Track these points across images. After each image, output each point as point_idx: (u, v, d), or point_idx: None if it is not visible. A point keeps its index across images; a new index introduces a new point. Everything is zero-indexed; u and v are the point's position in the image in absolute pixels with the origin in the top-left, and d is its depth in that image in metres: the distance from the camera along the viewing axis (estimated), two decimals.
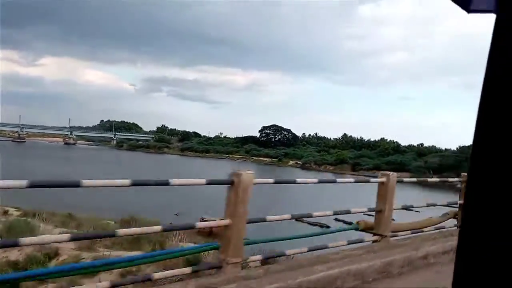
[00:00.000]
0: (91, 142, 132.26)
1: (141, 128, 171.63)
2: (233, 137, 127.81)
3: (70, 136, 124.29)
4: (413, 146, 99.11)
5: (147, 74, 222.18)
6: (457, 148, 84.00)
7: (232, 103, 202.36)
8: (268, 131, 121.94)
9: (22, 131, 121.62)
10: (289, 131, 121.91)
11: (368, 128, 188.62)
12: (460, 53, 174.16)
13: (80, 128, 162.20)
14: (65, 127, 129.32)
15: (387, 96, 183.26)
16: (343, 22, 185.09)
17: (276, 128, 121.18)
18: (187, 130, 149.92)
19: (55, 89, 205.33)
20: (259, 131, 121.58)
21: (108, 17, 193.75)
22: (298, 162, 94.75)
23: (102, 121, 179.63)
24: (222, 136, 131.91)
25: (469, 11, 1.26)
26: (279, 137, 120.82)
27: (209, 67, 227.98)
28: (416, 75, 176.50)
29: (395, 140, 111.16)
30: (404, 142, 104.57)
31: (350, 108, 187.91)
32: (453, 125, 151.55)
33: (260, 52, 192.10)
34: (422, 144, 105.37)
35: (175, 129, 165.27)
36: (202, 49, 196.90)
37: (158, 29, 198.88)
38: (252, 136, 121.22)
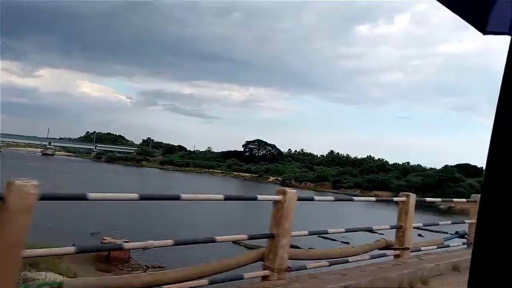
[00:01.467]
0: (71, 154, 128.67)
1: (127, 140, 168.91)
2: (220, 151, 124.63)
3: (48, 146, 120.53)
4: (398, 164, 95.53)
5: (144, 87, 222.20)
6: (441, 168, 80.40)
7: (227, 118, 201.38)
8: (252, 146, 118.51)
9: None
10: (273, 146, 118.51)
11: (362, 146, 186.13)
12: (455, 74, 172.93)
13: (68, 140, 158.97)
14: (45, 137, 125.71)
15: (383, 115, 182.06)
16: (341, 41, 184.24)
17: (260, 143, 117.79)
18: (171, 143, 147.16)
19: (49, 100, 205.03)
20: (243, 146, 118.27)
21: (106, 30, 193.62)
22: (279, 178, 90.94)
23: (87, 132, 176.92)
24: (211, 151, 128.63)
25: (484, 32, 1.29)
26: (263, 152, 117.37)
27: (206, 82, 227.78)
28: (411, 95, 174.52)
29: (382, 158, 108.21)
30: (393, 161, 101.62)
31: (345, 126, 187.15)
32: (446, 145, 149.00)
33: (257, 69, 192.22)
34: (408, 163, 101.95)
35: (161, 142, 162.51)
36: (199, 64, 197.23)
37: (155, 44, 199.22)
38: (236, 151, 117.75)
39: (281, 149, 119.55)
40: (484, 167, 1.17)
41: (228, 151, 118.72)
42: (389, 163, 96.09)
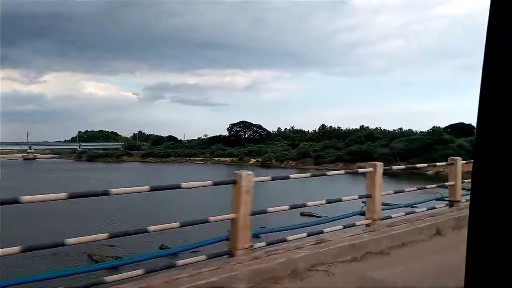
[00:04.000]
0: (56, 155, 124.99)
1: (120, 136, 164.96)
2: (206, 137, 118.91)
3: (29, 151, 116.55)
4: (388, 131, 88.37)
5: (147, 82, 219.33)
6: (428, 131, 73.21)
7: (234, 103, 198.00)
8: (238, 128, 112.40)
9: None
10: (259, 126, 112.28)
11: (366, 118, 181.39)
12: (459, 35, 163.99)
13: (56, 142, 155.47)
14: (24, 142, 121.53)
15: (386, 85, 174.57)
16: (338, 14, 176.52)
17: (245, 125, 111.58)
18: (160, 135, 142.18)
19: (57, 105, 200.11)
20: (227, 129, 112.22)
21: (102, 29, 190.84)
22: (259, 160, 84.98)
23: (79, 132, 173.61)
24: (200, 138, 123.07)
25: None
26: (249, 134, 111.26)
27: (208, 70, 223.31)
28: (415, 61, 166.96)
29: (378, 127, 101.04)
30: (392, 128, 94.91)
31: (349, 99, 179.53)
32: (453, 108, 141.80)
33: (257, 52, 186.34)
34: (401, 129, 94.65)
35: (153, 134, 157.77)
36: (199, 53, 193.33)
37: (152, 38, 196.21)
38: (221, 136, 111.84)
39: (268, 129, 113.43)
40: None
41: (213, 137, 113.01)
42: (378, 131, 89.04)
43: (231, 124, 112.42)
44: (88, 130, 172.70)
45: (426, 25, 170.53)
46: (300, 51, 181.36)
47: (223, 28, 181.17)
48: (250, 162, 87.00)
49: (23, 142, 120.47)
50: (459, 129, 78.37)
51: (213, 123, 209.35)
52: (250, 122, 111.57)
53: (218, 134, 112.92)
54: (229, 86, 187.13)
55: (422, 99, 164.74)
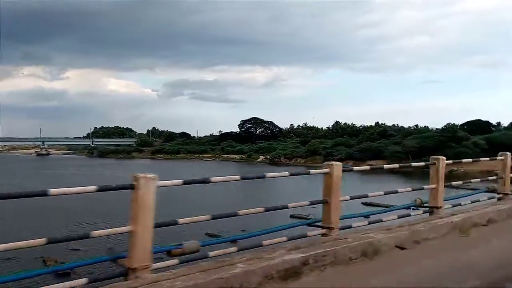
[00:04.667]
0: (70, 151, 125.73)
1: (135, 132, 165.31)
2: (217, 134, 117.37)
3: (42, 146, 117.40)
4: (403, 128, 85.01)
5: (167, 79, 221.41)
6: (442, 128, 69.77)
7: (252, 100, 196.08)
8: (249, 125, 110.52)
9: None
10: (271, 123, 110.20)
11: (388, 114, 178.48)
12: (482, 31, 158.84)
13: (73, 139, 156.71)
14: (37, 138, 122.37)
15: (408, 81, 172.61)
16: (359, 9, 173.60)
17: (256, 121, 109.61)
18: (173, 131, 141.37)
19: (79, 101, 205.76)
20: (238, 126, 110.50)
21: (122, 26, 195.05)
22: (268, 157, 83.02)
23: (95, 127, 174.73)
24: (213, 135, 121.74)
25: None
26: (260, 130, 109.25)
27: (227, 66, 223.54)
28: (437, 57, 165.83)
29: (395, 124, 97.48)
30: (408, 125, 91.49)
31: (371, 96, 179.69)
32: (476, 104, 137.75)
33: (277, 48, 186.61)
34: (416, 126, 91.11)
35: (167, 130, 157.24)
36: (218, 49, 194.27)
37: (171, 34, 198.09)
38: (232, 133, 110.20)
39: (279, 126, 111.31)
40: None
41: (225, 133, 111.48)
42: (392, 128, 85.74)
43: (242, 120, 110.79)
44: (104, 126, 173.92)
45: (448, 21, 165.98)
46: (321, 47, 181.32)
47: (243, 24, 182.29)
48: (259, 160, 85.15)
49: (37, 138, 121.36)
50: (475, 126, 74.78)
51: (231, 120, 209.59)
52: (261, 119, 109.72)
53: (229, 131, 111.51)
54: (248, 82, 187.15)
55: (444, 96, 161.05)
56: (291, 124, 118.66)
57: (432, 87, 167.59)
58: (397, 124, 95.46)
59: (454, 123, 72.63)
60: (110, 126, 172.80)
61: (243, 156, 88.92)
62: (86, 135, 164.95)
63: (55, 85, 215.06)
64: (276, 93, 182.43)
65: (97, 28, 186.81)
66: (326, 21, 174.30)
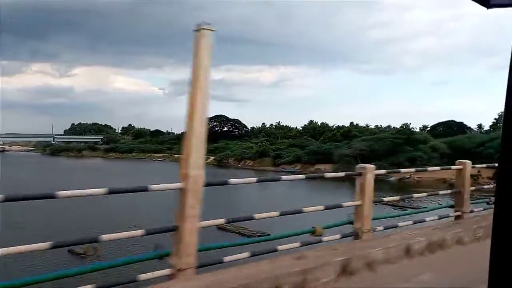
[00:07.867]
0: (30, 148, 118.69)
1: (114, 129, 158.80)
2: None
3: None
4: (368, 128, 75.35)
5: (174, 77, 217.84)
6: (396, 129, 60.38)
7: (258, 100, 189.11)
8: (214, 123, 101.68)
9: None
10: (237, 121, 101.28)
11: (394, 116, 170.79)
12: (494, 32, 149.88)
13: (40, 135, 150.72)
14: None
15: (417, 83, 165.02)
16: (368, 9, 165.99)
17: (221, 119, 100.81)
18: (146, 128, 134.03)
19: (86, 98, 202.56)
20: None
21: (131, 25, 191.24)
22: (215, 159, 74.29)
23: (73, 124, 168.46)
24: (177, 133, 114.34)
25: (488, 6, 1.25)
26: (225, 129, 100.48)
27: (234, 65, 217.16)
28: (447, 59, 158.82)
29: (383, 126, 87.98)
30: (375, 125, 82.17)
31: (379, 97, 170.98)
32: (483, 106, 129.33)
33: (284, 47, 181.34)
34: (389, 126, 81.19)
35: (143, 128, 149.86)
36: (225, 48, 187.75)
37: (179, 33, 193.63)
38: None
39: (246, 124, 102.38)
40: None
41: (183, 132, 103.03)
42: (358, 128, 76.11)
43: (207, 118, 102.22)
44: (82, 123, 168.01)
45: (457, 23, 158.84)
46: (329, 48, 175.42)
47: (250, 24, 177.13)
48: (208, 161, 76.29)
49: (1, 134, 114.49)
50: (449, 127, 65.16)
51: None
52: (226, 117, 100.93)
53: None
54: (255, 82, 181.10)
55: (454, 98, 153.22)
56: (263, 123, 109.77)
57: (442, 88, 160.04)
58: (404, 126, 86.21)
59: (408, 124, 63.22)
60: (88, 123, 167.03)
61: None
62: (63, 132, 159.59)
63: (63, 82, 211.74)
64: (283, 93, 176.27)
65: (105, 26, 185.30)
66: (334, 22, 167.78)
